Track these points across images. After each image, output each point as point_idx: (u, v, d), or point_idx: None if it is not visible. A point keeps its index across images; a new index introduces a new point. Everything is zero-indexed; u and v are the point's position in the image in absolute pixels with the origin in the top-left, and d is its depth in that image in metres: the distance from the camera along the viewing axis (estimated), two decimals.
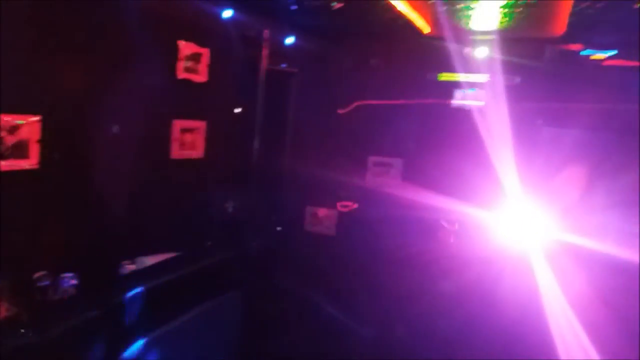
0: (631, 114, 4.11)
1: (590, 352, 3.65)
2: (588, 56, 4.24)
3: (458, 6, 3.48)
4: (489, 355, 3.87)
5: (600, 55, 4.20)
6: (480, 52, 4.30)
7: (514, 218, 4.24)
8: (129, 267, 3.02)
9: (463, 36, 4.11)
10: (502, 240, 4.23)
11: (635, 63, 4.10)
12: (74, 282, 2.51)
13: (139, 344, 2.84)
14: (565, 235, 4.11)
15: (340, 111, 4.87)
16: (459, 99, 4.56)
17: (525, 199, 4.18)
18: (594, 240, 4.07)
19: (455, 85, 4.57)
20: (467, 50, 4.30)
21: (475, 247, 4.24)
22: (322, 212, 5.03)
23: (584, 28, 3.79)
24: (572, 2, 3.19)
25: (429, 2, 3.53)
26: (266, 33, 4.38)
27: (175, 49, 3.42)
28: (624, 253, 4.02)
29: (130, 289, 2.83)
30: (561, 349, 3.73)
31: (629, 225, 4.19)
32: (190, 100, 3.66)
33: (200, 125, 3.79)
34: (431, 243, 4.49)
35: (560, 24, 3.72)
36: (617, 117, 4.12)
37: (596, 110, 4.10)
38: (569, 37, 3.98)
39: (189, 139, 3.69)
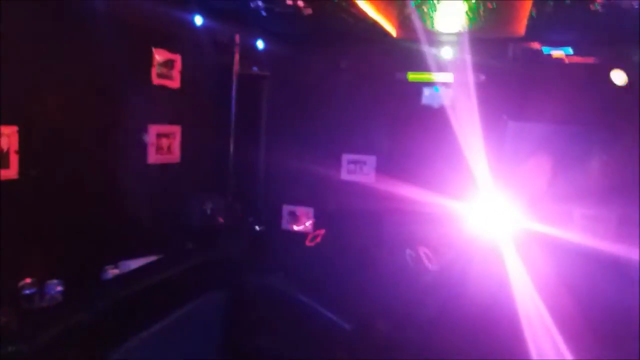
0: (591, 108, 4.34)
1: (556, 336, 3.83)
2: (549, 54, 4.45)
3: (424, 8, 3.63)
4: (463, 341, 4.03)
5: (559, 52, 4.41)
6: (447, 52, 4.47)
7: (485, 209, 4.42)
8: (113, 272, 3.06)
9: (429, 37, 4.25)
10: (473, 230, 4.41)
11: (590, 60, 4.34)
12: (60, 288, 2.55)
13: (126, 346, 2.88)
14: (532, 224, 4.31)
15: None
16: (428, 98, 4.73)
17: (494, 191, 4.36)
18: (559, 229, 4.29)
19: (424, 84, 4.74)
20: (434, 50, 4.46)
21: (449, 238, 4.40)
22: (299, 210, 5.13)
23: (543, 28, 3.98)
24: (531, 2, 3.37)
25: (396, 5, 3.67)
26: (237, 38, 4.47)
27: (149, 56, 3.47)
28: (586, 240, 4.25)
29: (115, 294, 2.87)
30: (529, 334, 3.90)
31: (591, 212, 4.43)
32: (165, 105, 3.72)
33: (176, 129, 3.85)
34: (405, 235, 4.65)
35: (521, 24, 3.90)
36: (578, 110, 4.35)
37: (558, 104, 4.30)
38: (529, 36, 4.16)
39: (165, 144, 3.74)
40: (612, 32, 4.07)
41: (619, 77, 4.15)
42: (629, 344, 3.76)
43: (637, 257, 3.89)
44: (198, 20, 3.86)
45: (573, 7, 3.32)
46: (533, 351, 3.84)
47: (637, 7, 3.12)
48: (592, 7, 3.19)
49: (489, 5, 3.52)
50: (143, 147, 3.50)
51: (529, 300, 4.01)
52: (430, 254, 4.59)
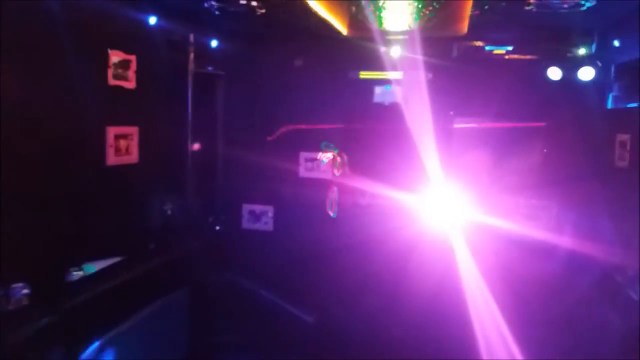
0: (531, 102, 4.65)
1: (500, 320, 4.10)
2: (490, 51, 4.72)
3: (372, 7, 3.78)
4: (414, 329, 4.26)
5: (500, 50, 4.69)
6: (395, 51, 4.66)
7: (434, 200, 4.66)
8: (77, 274, 3.06)
9: (379, 36, 4.43)
10: (424, 220, 4.64)
11: (530, 56, 4.64)
12: (26, 291, 2.54)
13: (93, 347, 2.91)
14: (479, 214, 4.58)
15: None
16: (379, 95, 4.92)
17: (443, 183, 4.60)
18: (505, 218, 4.57)
19: (376, 82, 4.93)
20: (383, 49, 4.64)
21: (401, 228, 4.61)
22: (259, 208, 5.21)
23: (484, 27, 4.24)
24: (471, 3, 3.58)
25: (346, 4, 3.81)
26: (192, 37, 4.50)
27: (105, 57, 3.47)
28: (530, 230, 4.54)
29: (81, 295, 2.89)
30: (475, 319, 4.16)
31: (534, 202, 4.74)
32: (122, 106, 3.71)
33: (134, 130, 3.85)
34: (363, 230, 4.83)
35: (464, 24, 4.13)
36: (519, 105, 4.65)
37: (500, 99, 4.59)
38: (472, 35, 4.42)
39: (123, 145, 3.74)
40: (547, 31, 4.39)
41: (555, 73, 4.47)
42: (569, 326, 4.06)
43: (575, 242, 4.21)
44: (152, 20, 3.88)
45: (510, 7, 3.57)
46: (480, 335, 4.10)
47: (566, 7, 3.39)
48: (526, 7, 3.44)
49: (432, 6, 3.71)
50: (101, 149, 3.49)
51: (476, 286, 4.27)
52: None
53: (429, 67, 4.63)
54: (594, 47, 4.32)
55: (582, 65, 4.35)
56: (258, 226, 5.20)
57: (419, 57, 4.54)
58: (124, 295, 3.22)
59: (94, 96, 3.37)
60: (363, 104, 4.98)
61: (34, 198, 2.80)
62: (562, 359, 3.79)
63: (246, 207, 5.23)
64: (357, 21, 4.14)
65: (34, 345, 2.44)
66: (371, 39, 4.44)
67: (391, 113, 4.78)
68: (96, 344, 2.89)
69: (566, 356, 3.79)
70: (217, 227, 5.10)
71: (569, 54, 4.39)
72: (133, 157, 3.83)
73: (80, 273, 3.09)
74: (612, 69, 4.47)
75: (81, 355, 2.83)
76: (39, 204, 2.84)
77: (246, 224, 5.23)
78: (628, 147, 4.03)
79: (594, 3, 3.35)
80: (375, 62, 4.76)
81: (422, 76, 4.61)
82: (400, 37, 4.56)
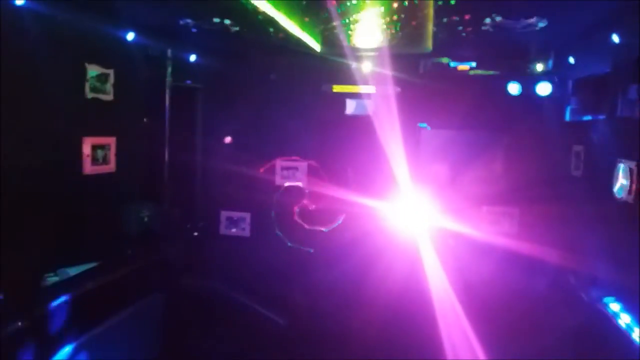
0: (493, 115, 4.89)
1: (463, 320, 4.29)
2: (455, 67, 4.96)
3: (343, 27, 3.98)
4: (382, 328, 4.42)
5: (464, 66, 4.94)
6: (366, 67, 4.88)
7: (403, 207, 4.86)
8: (52, 280, 3.17)
9: (351, 53, 4.64)
10: (393, 226, 4.84)
11: (492, 72, 4.89)
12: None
13: (67, 350, 3.02)
14: (445, 220, 4.78)
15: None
16: (351, 108, 5.14)
17: (411, 191, 4.81)
18: (470, 224, 4.78)
19: (348, 95, 5.14)
20: (355, 65, 4.86)
21: (371, 233, 4.81)
22: (236, 215, 5.36)
23: (448, 44, 4.46)
24: (431, 23, 3.80)
25: (318, 23, 4.01)
26: (169, 52, 4.67)
27: (82, 71, 3.62)
28: (493, 235, 4.76)
29: (55, 300, 3.00)
30: (441, 319, 4.35)
31: (497, 208, 4.97)
32: (99, 117, 3.86)
33: (111, 140, 3.99)
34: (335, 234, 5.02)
35: (429, 42, 4.35)
36: (482, 117, 4.89)
37: (464, 112, 4.82)
38: (437, 52, 4.65)
39: (100, 155, 3.88)
40: (508, 48, 4.64)
41: (514, 88, 4.72)
42: (528, 325, 4.26)
43: (534, 246, 4.42)
44: (130, 36, 4.04)
45: (468, 27, 3.80)
46: (444, 335, 4.28)
47: (519, 27, 3.63)
48: (482, 27, 3.68)
49: (395, 25, 3.92)
50: (78, 159, 3.63)
51: (441, 289, 4.46)
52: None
53: (398, 81, 4.86)
54: (550, 63, 4.57)
55: (540, 81, 4.61)
56: (235, 232, 5.35)
57: (388, 72, 4.77)
58: (98, 299, 3.34)
59: (71, 108, 3.52)
60: (336, 116, 5.19)
61: (11, 204, 2.92)
62: (521, 356, 3.97)
63: (224, 214, 5.39)
64: (329, 39, 4.33)
65: (4, 351, 2.55)
66: (343, 55, 4.65)
67: (362, 125, 4.98)
68: (69, 347, 3.00)
69: (525, 352, 3.97)
70: (195, 233, 5.24)
71: (527, 70, 4.63)
72: (110, 166, 3.97)
73: (56, 278, 3.21)
74: (570, 84, 4.74)
75: (52, 358, 2.94)
76: (16, 211, 2.96)
77: (224, 230, 5.38)
78: (582, 157, 4.28)
79: (545, 24, 3.59)
80: (347, 77, 4.99)
81: (391, 90, 4.83)
82: (371, 54, 4.78)
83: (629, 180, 3.15)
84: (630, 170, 3.15)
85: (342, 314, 4.64)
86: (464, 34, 3.98)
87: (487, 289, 4.40)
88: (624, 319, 3.12)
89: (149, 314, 3.97)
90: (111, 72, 3.90)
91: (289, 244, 5.18)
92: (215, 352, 4.45)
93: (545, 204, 4.63)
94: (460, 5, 3.21)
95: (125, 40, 4.03)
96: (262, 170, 5.26)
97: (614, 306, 3.30)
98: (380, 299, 4.40)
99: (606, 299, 3.42)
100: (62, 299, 3.06)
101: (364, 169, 4.96)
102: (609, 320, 3.23)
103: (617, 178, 3.32)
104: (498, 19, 3.47)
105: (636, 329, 2.98)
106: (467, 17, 3.49)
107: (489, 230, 4.84)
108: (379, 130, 4.77)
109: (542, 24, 3.59)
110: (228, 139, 5.13)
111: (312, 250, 5.14)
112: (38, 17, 3.08)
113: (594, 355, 3.43)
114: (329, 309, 4.72)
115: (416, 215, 4.85)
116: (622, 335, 3.04)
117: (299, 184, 5.24)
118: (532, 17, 3.41)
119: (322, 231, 5.15)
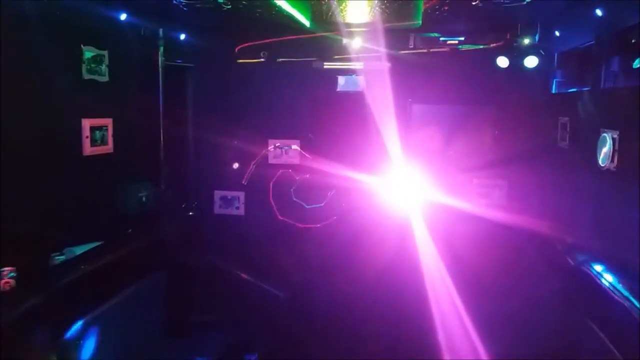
0: (482, 88, 5.00)
1: (453, 292, 4.46)
2: (444, 42, 5.04)
3: (333, 2, 4.02)
4: (375, 299, 4.60)
5: (453, 40, 5.02)
6: (357, 43, 4.93)
7: (395, 181, 4.99)
8: (59, 258, 3.26)
9: (341, 28, 4.67)
10: (385, 200, 4.97)
11: (480, 46, 4.97)
12: (12, 274, 2.74)
13: (77, 325, 3.13)
14: (436, 194, 4.92)
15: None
16: (342, 84, 5.20)
17: (403, 165, 4.93)
18: (460, 197, 4.93)
19: (339, 72, 5.20)
20: (346, 41, 4.91)
21: (364, 207, 4.94)
22: (230, 194, 5.44)
23: (438, 19, 4.53)
24: None
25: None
26: (161, 32, 4.68)
27: (78, 53, 3.65)
28: (483, 207, 4.91)
29: (63, 278, 3.10)
30: (431, 291, 4.53)
31: (488, 181, 5.11)
32: (96, 99, 3.90)
33: (108, 122, 4.04)
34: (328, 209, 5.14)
35: (419, 16, 4.41)
36: (471, 91, 5.00)
37: (455, 86, 4.93)
38: (427, 27, 4.71)
39: (98, 136, 3.93)
40: (495, 23, 4.73)
41: (503, 61, 4.82)
42: (518, 290, 4.45)
43: (523, 216, 4.58)
44: (123, 16, 4.05)
45: (458, 2, 3.87)
46: (434, 306, 4.45)
47: (508, 2, 3.72)
48: (473, 2, 3.75)
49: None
50: (78, 140, 3.68)
51: (432, 261, 4.62)
52: None
53: (388, 57, 4.92)
54: (537, 37, 4.67)
55: (527, 54, 4.71)
56: (230, 211, 5.43)
57: (379, 48, 4.82)
58: (104, 277, 3.44)
59: (69, 90, 3.55)
60: (328, 92, 5.25)
61: (17, 189, 2.98)
62: (512, 319, 4.17)
63: (218, 194, 5.46)
64: (320, 14, 4.37)
65: (22, 325, 2.65)
66: (334, 31, 4.69)
67: (354, 100, 5.06)
68: (79, 323, 3.11)
69: (514, 317, 4.18)
70: (190, 213, 5.32)
71: (515, 44, 4.72)
72: (108, 147, 4.03)
73: (63, 257, 3.30)
74: (555, 57, 4.86)
75: (66, 334, 3.05)
76: (23, 194, 3.02)
77: (218, 209, 5.45)
78: (568, 129, 4.43)
79: None
80: (338, 54, 5.04)
81: (382, 66, 4.90)
82: (361, 29, 4.82)
83: (612, 149, 3.30)
84: (613, 139, 3.29)
85: (336, 286, 4.78)
86: (455, 9, 4.05)
87: (477, 259, 4.56)
88: (607, 278, 3.29)
89: (152, 291, 4.09)
90: (105, 53, 3.92)
91: (281, 218, 5.25)
92: (216, 325, 4.60)
93: (533, 175, 4.81)
94: None
95: (119, 21, 4.04)
96: (255, 148, 5.32)
97: (598, 267, 3.47)
98: (372, 270, 4.57)
99: (592, 263, 3.59)
100: (71, 277, 3.17)
101: (357, 144, 5.05)
102: (593, 280, 3.40)
103: (601, 148, 3.47)
104: None
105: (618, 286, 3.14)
106: None
107: (479, 202, 4.98)
108: (371, 105, 4.86)
109: None
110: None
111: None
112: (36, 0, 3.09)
113: (579, 312, 3.61)
114: (324, 281, 4.87)
115: (408, 188, 4.98)
116: (605, 293, 3.21)
117: (292, 161, 5.31)
118: None
119: (317, 207, 5.26)
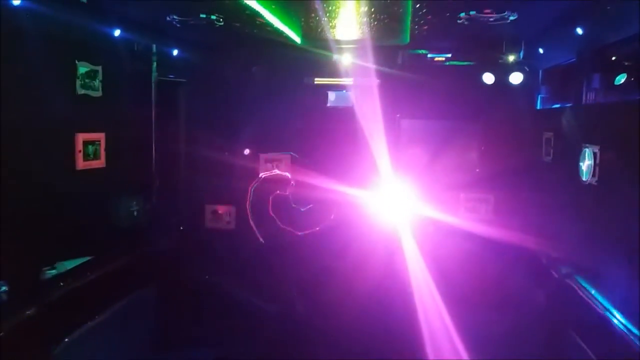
0: (468, 104, 5.11)
1: (441, 306, 4.52)
2: (432, 58, 5.16)
3: (323, 19, 4.12)
4: (365, 314, 4.63)
5: (441, 57, 5.14)
6: (347, 59, 5.04)
7: (384, 196, 5.06)
8: (50, 272, 3.28)
9: (331, 45, 4.78)
10: (374, 215, 5.03)
11: (467, 63, 5.09)
12: (4, 288, 2.76)
13: (67, 340, 3.14)
14: (424, 209, 5.00)
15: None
16: (333, 100, 5.30)
17: (391, 180, 5.00)
18: (449, 211, 5.00)
19: (330, 87, 5.30)
20: (335, 57, 5.01)
21: (354, 221, 5.00)
22: (221, 208, 5.48)
23: (426, 36, 4.64)
24: (410, 17, 3.97)
25: (299, 16, 4.13)
26: (154, 47, 4.76)
27: (72, 68, 3.70)
28: (470, 222, 4.98)
29: (55, 292, 3.12)
30: (420, 306, 4.58)
31: (474, 195, 5.19)
32: (89, 113, 3.94)
33: (101, 136, 4.08)
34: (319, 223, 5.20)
35: (406, 34, 4.53)
36: (458, 107, 5.10)
37: (441, 102, 5.03)
38: (415, 44, 4.83)
39: (91, 150, 3.97)
40: (481, 40, 4.84)
41: (488, 77, 4.94)
42: (504, 302, 4.52)
43: (509, 230, 4.66)
44: (117, 32, 4.11)
45: (445, 20, 3.98)
46: (423, 322, 4.51)
47: (492, 20, 3.83)
48: (458, 21, 3.87)
49: (373, 18, 4.07)
50: (72, 155, 3.71)
51: (421, 275, 4.68)
52: None
53: (377, 73, 5.03)
54: (522, 54, 4.80)
55: (512, 71, 4.84)
56: (221, 225, 5.46)
57: (368, 64, 4.93)
58: (94, 292, 3.46)
59: (63, 105, 3.60)
60: (319, 107, 5.34)
61: (9, 202, 3.00)
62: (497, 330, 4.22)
63: (209, 208, 5.49)
64: (310, 31, 4.47)
65: (12, 339, 2.67)
66: (324, 48, 4.80)
67: (344, 115, 5.15)
68: (69, 339, 3.12)
69: (500, 330, 4.23)
70: (181, 227, 5.34)
71: (500, 61, 4.85)
72: (100, 161, 4.06)
73: (54, 271, 3.32)
74: (540, 74, 4.99)
75: (55, 349, 3.06)
76: (15, 207, 3.04)
77: (209, 223, 5.48)
78: (552, 144, 4.53)
79: (516, 16, 3.80)
80: (328, 70, 5.14)
81: (370, 82, 5.00)
82: (351, 46, 4.93)
83: (593, 164, 3.39)
84: (594, 154, 3.39)
85: (327, 301, 4.81)
86: (442, 26, 4.16)
87: (463, 273, 4.63)
88: (591, 291, 3.37)
89: (142, 306, 4.10)
90: (99, 68, 3.98)
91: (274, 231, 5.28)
92: (206, 341, 4.60)
93: (518, 190, 4.90)
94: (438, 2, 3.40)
95: (113, 36, 4.11)
96: (246, 163, 5.37)
97: (582, 280, 3.55)
98: (361, 285, 4.61)
99: (576, 276, 3.67)
100: (62, 291, 3.18)
101: (346, 159, 5.12)
102: (577, 293, 3.47)
103: (583, 162, 3.56)
104: (472, 13, 3.66)
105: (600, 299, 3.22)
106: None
107: (466, 217, 5.06)
108: (361, 121, 4.94)
109: (512, 17, 3.80)
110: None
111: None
112: (32, 16, 3.14)
113: (563, 325, 3.68)
114: (313, 297, 4.91)
115: (396, 203, 5.05)
116: (588, 306, 3.28)
117: (286, 174, 5.36)
118: (503, 11, 3.62)
119: (306, 221, 5.29)
